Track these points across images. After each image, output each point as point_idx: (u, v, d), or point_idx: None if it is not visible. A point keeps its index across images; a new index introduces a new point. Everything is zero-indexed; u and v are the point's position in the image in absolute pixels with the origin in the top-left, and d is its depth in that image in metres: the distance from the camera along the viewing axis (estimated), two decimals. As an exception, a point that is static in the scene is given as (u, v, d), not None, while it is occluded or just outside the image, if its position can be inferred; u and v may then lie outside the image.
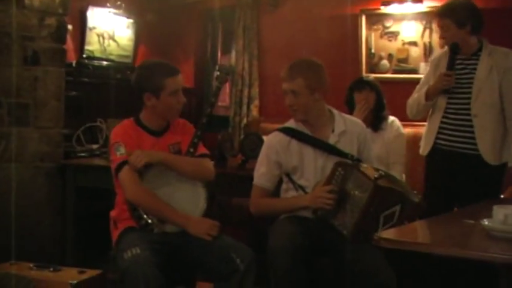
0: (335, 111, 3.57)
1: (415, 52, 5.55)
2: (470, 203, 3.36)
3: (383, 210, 3.14)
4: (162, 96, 3.33)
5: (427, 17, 5.43)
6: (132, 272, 3.00)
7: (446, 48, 3.98)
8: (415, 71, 5.54)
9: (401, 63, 5.62)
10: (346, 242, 3.21)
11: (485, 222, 2.49)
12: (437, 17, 3.95)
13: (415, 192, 3.40)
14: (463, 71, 3.85)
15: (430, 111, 4.00)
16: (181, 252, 3.31)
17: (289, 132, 3.51)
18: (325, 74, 3.48)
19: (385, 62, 5.67)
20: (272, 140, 3.53)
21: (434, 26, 5.35)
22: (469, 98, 3.78)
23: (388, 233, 2.56)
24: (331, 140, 3.46)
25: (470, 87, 3.79)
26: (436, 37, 5.36)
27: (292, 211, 3.45)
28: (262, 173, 3.52)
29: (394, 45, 5.64)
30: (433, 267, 3.48)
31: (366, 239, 2.99)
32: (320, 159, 3.44)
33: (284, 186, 3.57)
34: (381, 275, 3.09)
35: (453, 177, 3.84)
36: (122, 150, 3.25)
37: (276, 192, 3.60)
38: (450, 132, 3.87)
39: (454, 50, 3.80)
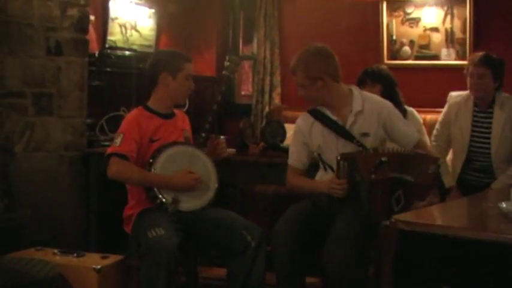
0: (356, 91, 3.63)
1: (437, 38, 5.52)
2: None
3: (390, 195, 3.29)
4: (178, 77, 3.64)
5: (448, 2, 5.41)
6: (156, 252, 3.19)
7: (465, 93, 4.24)
8: (436, 57, 5.52)
9: (423, 49, 5.59)
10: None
11: (503, 205, 2.49)
12: (478, 64, 4.08)
13: (435, 157, 3.47)
14: (479, 124, 4.16)
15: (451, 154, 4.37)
16: (196, 231, 3.51)
17: (314, 114, 3.61)
18: (326, 59, 3.52)
19: (406, 48, 5.65)
20: (299, 122, 3.68)
21: (456, 11, 5.35)
22: (489, 154, 4.10)
23: (406, 215, 2.57)
24: (349, 120, 3.53)
25: (488, 143, 4.11)
26: (457, 23, 5.36)
27: (313, 192, 3.57)
28: (292, 152, 3.68)
29: (415, 32, 5.62)
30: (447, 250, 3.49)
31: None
32: (340, 142, 3.52)
33: (321, 166, 3.68)
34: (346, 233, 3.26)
35: None
36: (118, 141, 3.50)
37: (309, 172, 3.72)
38: (475, 174, 4.20)
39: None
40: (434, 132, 4.39)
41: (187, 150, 3.62)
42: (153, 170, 3.47)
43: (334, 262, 3.19)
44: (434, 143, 4.34)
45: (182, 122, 3.78)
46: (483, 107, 4.18)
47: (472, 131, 4.19)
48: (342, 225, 3.32)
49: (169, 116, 3.72)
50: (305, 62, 3.50)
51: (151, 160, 3.49)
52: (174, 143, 3.59)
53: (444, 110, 4.37)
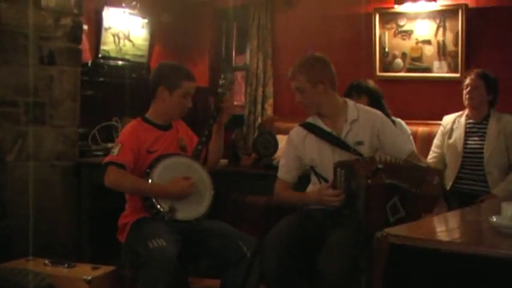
0: (350, 102, 3.66)
1: (429, 51, 5.54)
2: None
3: (385, 202, 3.28)
4: (175, 94, 3.63)
5: (441, 15, 5.42)
6: (157, 263, 3.18)
7: (459, 113, 4.49)
8: (428, 69, 5.53)
9: (415, 61, 5.61)
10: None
11: (494, 219, 2.50)
12: (473, 76, 4.39)
13: (438, 169, 3.50)
14: (475, 134, 4.40)
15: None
16: (192, 241, 3.50)
17: (307, 126, 3.62)
18: (327, 66, 3.57)
19: (398, 60, 5.67)
20: (291, 135, 3.68)
21: (448, 24, 5.38)
22: (482, 158, 4.31)
23: (398, 229, 2.57)
24: (345, 129, 3.54)
25: (482, 150, 4.33)
26: (449, 36, 5.37)
27: (304, 205, 3.58)
28: (282, 165, 3.68)
29: (407, 44, 5.63)
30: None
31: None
32: (336, 152, 3.52)
33: (312, 179, 3.66)
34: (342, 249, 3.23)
35: None
36: (116, 150, 3.52)
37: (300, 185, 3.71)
38: (468, 182, 4.36)
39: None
40: (431, 153, 4.54)
41: (184, 161, 3.64)
42: (150, 179, 3.49)
43: (330, 272, 3.18)
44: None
45: (177, 130, 3.78)
46: (477, 118, 4.39)
47: (466, 138, 4.38)
48: (338, 236, 3.31)
49: (167, 127, 3.73)
50: (307, 65, 3.53)
51: (148, 170, 3.51)
52: (172, 154, 3.62)
53: (438, 132, 4.56)
